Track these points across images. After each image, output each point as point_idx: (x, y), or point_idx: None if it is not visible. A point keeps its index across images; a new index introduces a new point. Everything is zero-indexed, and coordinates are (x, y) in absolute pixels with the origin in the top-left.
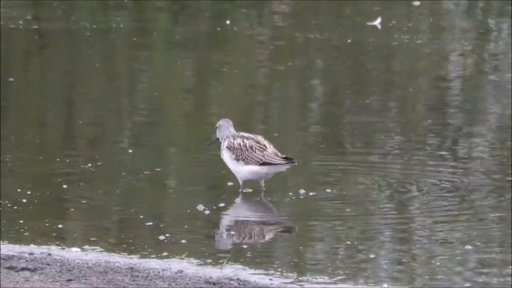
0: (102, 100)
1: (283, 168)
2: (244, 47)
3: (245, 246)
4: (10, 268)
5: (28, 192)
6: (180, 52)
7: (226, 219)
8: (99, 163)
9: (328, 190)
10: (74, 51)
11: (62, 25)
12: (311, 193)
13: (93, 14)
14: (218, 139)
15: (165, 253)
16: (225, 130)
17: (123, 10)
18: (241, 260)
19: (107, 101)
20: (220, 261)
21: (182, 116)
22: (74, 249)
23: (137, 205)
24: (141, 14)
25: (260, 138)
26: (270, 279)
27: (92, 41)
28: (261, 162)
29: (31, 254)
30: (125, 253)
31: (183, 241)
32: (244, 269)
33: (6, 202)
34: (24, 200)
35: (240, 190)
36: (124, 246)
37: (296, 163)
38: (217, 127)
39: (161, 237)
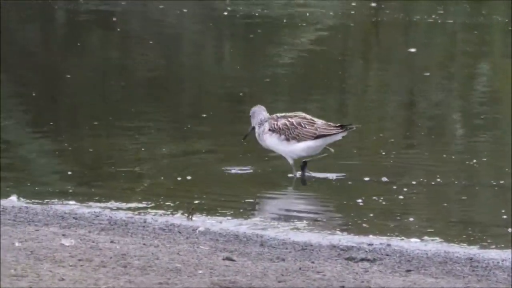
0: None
1: (339, 137)
2: None
3: None
4: (350, 259)
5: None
6: None
7: None
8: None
9: None
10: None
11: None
12: None
13: (428, 8)
14: (254, 128)
15: (503, 244)
16: (259, 115)
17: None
18: None
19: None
20: None
21: None
22: (414, 239)
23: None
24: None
25: (302, 113)
26: None
27: (426, 34)
28: (315, 135)
29: (370, 245)
30: (465, 244)
31: None
32: None
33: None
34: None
35: (293, 174)
36: (464, 237)
37: (354, 128)
38: (250, 115)
39: (509, 230)
